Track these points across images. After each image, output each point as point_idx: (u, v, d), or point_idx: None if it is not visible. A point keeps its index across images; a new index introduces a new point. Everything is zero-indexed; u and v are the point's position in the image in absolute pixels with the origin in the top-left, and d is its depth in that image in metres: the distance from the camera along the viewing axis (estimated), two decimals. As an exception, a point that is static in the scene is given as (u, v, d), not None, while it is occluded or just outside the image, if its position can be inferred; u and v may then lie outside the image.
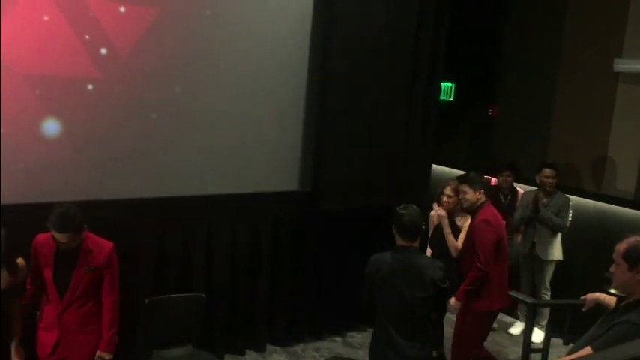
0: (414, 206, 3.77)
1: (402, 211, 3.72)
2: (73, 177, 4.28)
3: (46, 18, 4.09)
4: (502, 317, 6.44)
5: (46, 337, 3.55)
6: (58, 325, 3.52)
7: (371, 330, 4.73)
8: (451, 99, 7.46)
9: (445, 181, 5.10)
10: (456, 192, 4.84)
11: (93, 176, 4.40)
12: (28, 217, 3.85)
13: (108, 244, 3.61)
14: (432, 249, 5.16)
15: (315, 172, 5.44)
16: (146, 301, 4.34)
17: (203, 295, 4.58)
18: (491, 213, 4.58)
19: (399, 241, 3.74)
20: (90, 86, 4.32)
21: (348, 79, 5.31)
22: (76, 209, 3.45)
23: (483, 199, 4.60)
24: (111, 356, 3.64)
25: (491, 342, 5.93)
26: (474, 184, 4.59)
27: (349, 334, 5.83)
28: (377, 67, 5.43)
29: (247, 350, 5.36)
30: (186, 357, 4.36)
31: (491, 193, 6.36)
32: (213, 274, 5.09)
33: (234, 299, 5.24)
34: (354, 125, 5.39)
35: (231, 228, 5.13)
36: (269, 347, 5.47)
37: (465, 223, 4.96)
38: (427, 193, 5.91)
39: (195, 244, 4.99)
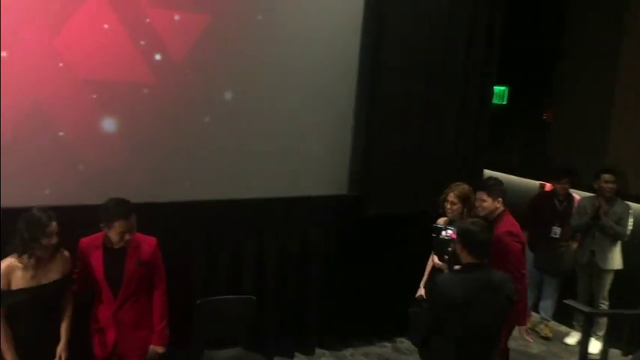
0: (480, 220, 3.62)
1: (473, 227, 3.50)
2: (128, 179, 4.39)
3: (105, 26, 4.23)
4: (557, 327, 6.28)
5: (104, 338, 3.61)
6: (114, 325, 3.59)
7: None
8: (505, 103, 7.32)
9: (449, 186, 4.54)
10: (461, 198, 4.40)
11: (147, 179, 4.51)
12: (86, 218, 3.99)
13: (152, 239, 3.70)
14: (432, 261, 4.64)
15: (363, 176, 5.43)
16: (198, 302, 4.41)
17: (254, 297, 4.63)
18: (512, 223, 4.29)
19: (468, 258, 3.48)
20: (145, 90, 4.44)
21: (399, 82, 5.28)
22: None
23: (502, 208, 4.32)
24: (163, 350, 3.72)
25: (547, 352, 5.78)
26: (492, 192, 4.30)
27: (399, 339, 5.78)
28: (428, 69, 5.39)
29: (296, 353, 5.37)
30: (236, 359, 4.40)
31: (545, 199, 6.25)
32: (264, 277, 5.13)
33: (283, 302, 5.26)
34: (405, 129, 5.35)
35: (280, 231, 5.17)
36: (318, 351, 5.47)
37: None
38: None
39: (246, 246, 5.04)
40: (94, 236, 3.60)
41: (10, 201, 3.68)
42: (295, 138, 5.09)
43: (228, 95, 4.78)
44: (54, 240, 3.29)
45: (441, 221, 4.53)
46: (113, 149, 4.40)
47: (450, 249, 3.95)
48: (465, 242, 3.48)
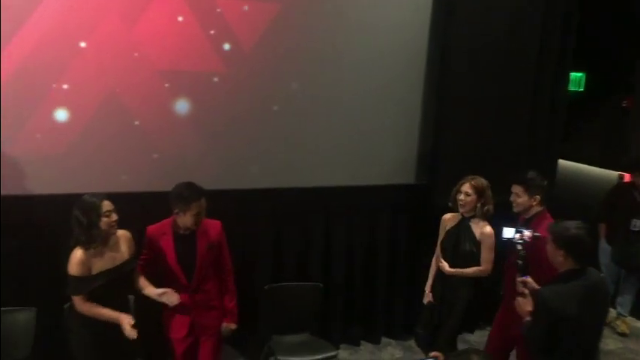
0: (581, 222, 3.25)
1: (578, 231, 3.17)
2: (200, 167, 4.51)
3: (179, 18, 4.34)
4: (635, 323, 6.03)
5: (179, 321, 3.71)
6: (190, 308, 3.68)
7: (488, 328, 4.61)
8: (581, 90, 7.07)
9: (464, 178, 4.18)
10: (477, 190, 4.05)
11: (217, 166, 4.61)
12: (160, 205, 4.13)
13: (217, 222, 3.76)
14: (437, 262, 4.30)
15: (432, 165, 5.36)
16: (265, 287, 4.50)
17: (320, 284, 4.67)
18: None
19: (572, 264, 3.19)
20: (215, 79, 4.53)
21: (469, 68, 5.18)
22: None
23: (539, 208, 3.96)
24: (236, 326, 3.83)
25: (623, 349, 5.57)
26: (530, 188, 3.94)
27: (464, 332, 5.69)
28: (500, 54, 5.25)
29: (362, 342, 5.39)
30: (303, 344, 4.47)
31: (624, 190, 5.98)
32: (331, 265, 5.17)
33: (351, 290, 5.28)
34: (475, 116, 5.24)
35: (348, 219, 5.18)
36: (384, 340, 5.47)
37: (482, 231, 4.09)
38: (552, 190, 5.63)
39: (313, 234, 5.08)
40: (162, 223, 3.68)
41: (88, 187, 3.84)
42: (363, 126, 5.08)
43: (296, 84, 4.82)
44: (113, 218, 3.37)
45: (448, 217, 4.25)
46: (185, 138, 4.52)
47: (522, 253, 3.69)
48: (571, 248, 3.17)
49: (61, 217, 4.07)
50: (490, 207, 4.08)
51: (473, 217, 4.12)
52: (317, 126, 4.94)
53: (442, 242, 4.25)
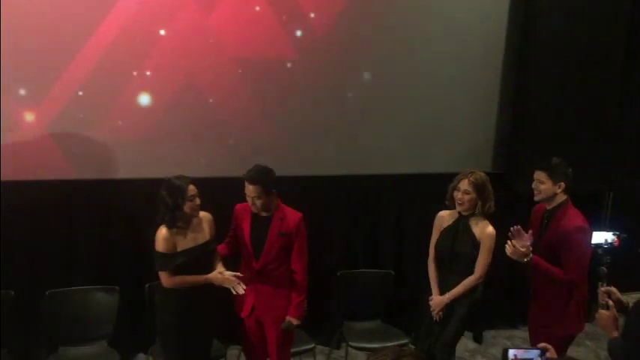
0: None
1: None
2: (274, 153, 4.54)
3: (256, 8, 4.39)
4: None
5: (244, 299, 3.77)
6: (253, 288, 3.74)
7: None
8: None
9: (462, 172, 3.79)
10: (476, 187, 3.66)
11: (289, 152, 4.64)
12: (235, 191, 4.21)
13: (298, 214, 3.78)
14: (434, 263, 3.91)
15: (510, 152, 5.20)
16: (338, 274, 4.50)
17: (392, 272, 4.64)
18: (582, 218, 3.64)
19: None
20: (289, 65, 4.56)
21: (551, 52, 4.96)
22: (270, 170, 3.66)
23: (563, 197, 3.67)
24: (299, 322, 3.81)
25: None
26: (554, 174, 3.63)
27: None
28: (585, 35, 5.00)
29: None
30: (374, 331, 4.46)
31: None
32: (402, 253, 5.11)
33: (422, 279, 5.20)
34: (557, 101, 5.04)
35: (421, 207, 5.10)
36: (457, 330, 5.37)
37: (483, 230, 3.72)
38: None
39: (386, 221, 5.04)
40: (247, 203, 3.76)
41: (166, 173, 3.95)
42: (438, 112, 4.99)
43: (370, 71, 4.78)
44: (197, 202, 3.48)
45: (444, 216, 3.86)
46: (260, 124, 4.58)
47: (607, 260, 3.45)
48: None
49: (141, 201, 4.24)
50: (491, 204, 3.72)
51: (472, 215, 3.73)
52: (390, 113, 4.88)
53: (437, 244, 3.87)
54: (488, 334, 5.35)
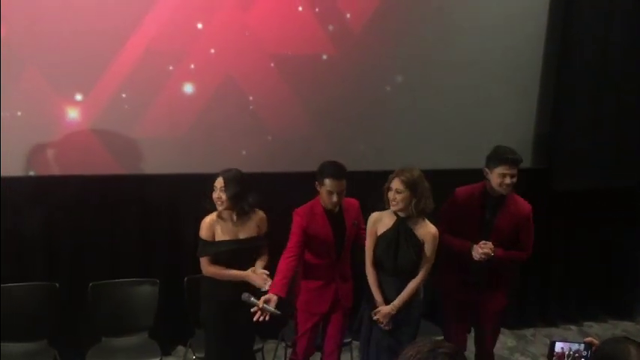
0: None
1: None
2: (310, 148, 4.58)
3: (294, 4, 4.43)
4: None
5: (323, 296, 3.77)
6: (337, 279, 3.75)
7: (612, 321, 4.35)
8: None
9: (395, 172, 3.56)
10: (408, 185, 3.44)
11: (326, 147, 4.65)
12: (271, 185, 4.25)
13: (355, 201, 3.81)
14: (374, 268, 3.61)
15: (551, 148, 5.12)
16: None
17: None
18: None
19: None
20: (324, 59, 4.58)
21: (592, 43, 4.90)
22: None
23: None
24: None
25: None
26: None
27: (586, 323, 5.43)
28: (625, 30, 4.92)
29: (472, 329, 5.26)
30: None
31: None
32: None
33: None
34: (598, 95, 4.95)
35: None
36: (496, 328, 5.32)
37: (426, 231, 3.52)
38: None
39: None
40: (310, 204, 3.72)
41: (205, 169, 4.01)
42: (476, 106, 4.94)
43: (407, 65, 4.77)
44: (216, 195, 3.54)
45: (377, 218, 3.59)
46: (297, 120, 4.61)
47: None
48: None
49: (182, 196, 4.32)
50: (427, 202, 3.50)
51: (410, 217, 3.52)
52: (428, 107, 4.86)
53: (376, 250, 3.58)
54: (527, 332, 5.29)
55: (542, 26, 5.02)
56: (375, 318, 3.58)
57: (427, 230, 3.54)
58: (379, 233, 3.58)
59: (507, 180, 3.69)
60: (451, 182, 4.92)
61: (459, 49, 4.84)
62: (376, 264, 3.61)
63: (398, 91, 4.79)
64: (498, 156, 3.73)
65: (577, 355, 2.55)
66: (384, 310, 3.56)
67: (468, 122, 4.95)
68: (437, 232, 3.55)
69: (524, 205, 3.83)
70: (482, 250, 3.66)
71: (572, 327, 5.41)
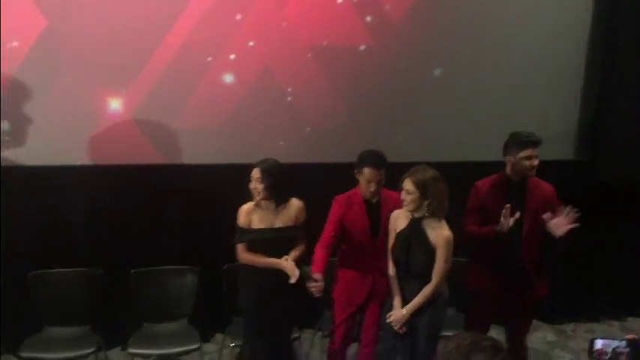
0: None
1: None
2: (347, 138, 4.58)
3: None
4: None
5: (360, 287, 3.77)
6: (373, 273, 3.74)
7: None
8: None
9: (413, 169, 3.47)
10: (419, 186, 3.33)
11: (364, 138, 4.63)
12: (308, 175, 4.27)
13: (395, 193, 3.73)
14: (395, 267, 3.55)
15: (594, 139, 5.02)
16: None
17: (466, 260, 4.57)
18: None
19: None
20: (362, 47, 4.56)
21: (637, 36, 4.74)
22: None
23: None
24: None
25: None
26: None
27: (629, 319, 5.31)
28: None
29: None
30: (451, 318, 4.40)
31: None
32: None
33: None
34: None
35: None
36: (535, 323, 5.23)
37: (438, 235, 3.38)
38: None
39: (462, 208, 4.96)
40: (349, 193, 3.74)
41: (243, 160, 4.05)
42: (516, 99, 4.86)
43: (447, 56, 4.72)
44: (252, 185, 3.58)
45: (397, 216, 3.52)
46: (335, 111, 4.62)
47: None
48: None
49: (221, 185, 4.38)
50: (441, 204, 3.38)
51: (425, 217, 3.40)
52: (467, 99, 4.80)
53: (393, 249, 3.53)
54: (567, 328, 5.20)
55: (587, 13, 4.90)
56: (388, 321, 3.52)
57: (440, 233, 3.39)
58: (397, 231, 3.53)
59: (535, 162, 3.66)
60: (490, 175, 4.89)
61: (500, 39, 4.77)
62: (395, 265, 3.55)
63: (437, 82, 4.74)
64: (520, 141, 3.70)
65: (618, 351, 2.51)
66: (396, 314, 3.50)
67: (507, 114, 4.86)
68: (450, 236, 3.38)
69: (547, 186, 3.79)
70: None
71: (614, 322, 5.30)
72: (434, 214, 3.37)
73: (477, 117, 4.83)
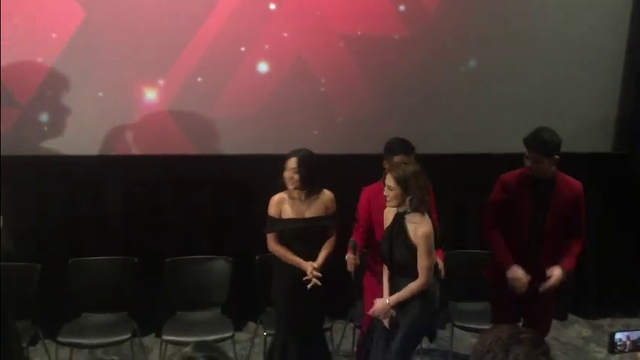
0: None
1: None
2: (380, 129, 4.54)
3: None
4: None
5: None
6: None
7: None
8: None
9: (395, 163, 3.42)
10: (399, 181, 3.24)
11: (397, 129, 4.58)
12: (341, 166, 4.27)
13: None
14: (383, 261, 3.48)
15: (634, 132, 4.90)
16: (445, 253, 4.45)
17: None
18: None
19: None
20: (396, 36, 4.53)
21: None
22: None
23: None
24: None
25: None
26: (549, 153, 3.49)
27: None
28: None
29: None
30: (482, 312, 4.35)
31: None
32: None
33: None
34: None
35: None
36: (570, 317, 5.17)
37: (416, 231, 3.25)
38: None
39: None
40: (378, 183, 3.69)
41: (274, 150, 4.06)
42: (553, 91, 4.77)
43: (481, 45, 4.66)
44: (289, 175, 3.57)
45: (390, 210, 3.41)
46: (367, 101, 4.60)
47: None
48: None
49: (254, 175, 4.40)
50: (423, 198, 3.26)
51: (408, 212, 3.29)
52: (502, 89, 4.73)
53: (380, 245, 3.47)
54: (604, 322, 5.11)
55: (627, 6, 4.78)
56: (370, 311, 3.43)
57: (418, 228, 3.26)
58: (385, 227, 3.48)
59: (528, 163, 3.56)
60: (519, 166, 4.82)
61: (537, 30, 4.68)
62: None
63: (471, 73, 4.68)
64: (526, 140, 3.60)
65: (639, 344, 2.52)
66: (378, 302, 3.39)
67: (543, 105, 4.77)
68: (428, 231, 3.25)
69: (575, 184, 3.63)
70: (518, 282, 3.52)
71: (653, 317, 5.19)
72: (416, 209, 3.27)
73: (511, 109, 4.75)
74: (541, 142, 3.51)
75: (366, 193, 3.74)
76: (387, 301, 3.36)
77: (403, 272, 3.34)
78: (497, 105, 4.75)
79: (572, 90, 4.80)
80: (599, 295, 5.15)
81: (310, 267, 3.60)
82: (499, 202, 3.68)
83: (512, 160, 4.77)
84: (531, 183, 3.62)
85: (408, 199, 3.26)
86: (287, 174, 3.60)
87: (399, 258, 3.34)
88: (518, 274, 3.54)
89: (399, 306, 3.34)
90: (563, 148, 4.81)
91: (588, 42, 4.76)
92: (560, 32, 4.70)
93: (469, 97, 4.71)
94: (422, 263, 3.27)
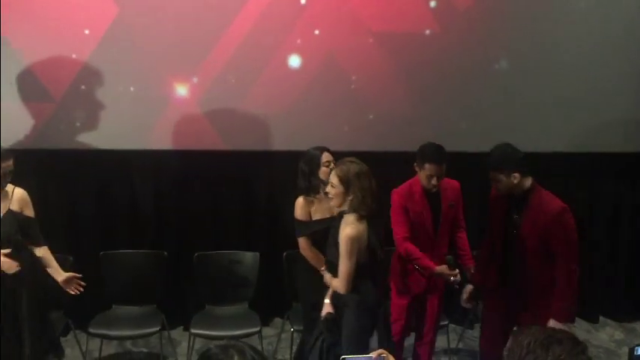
0: None
1: None
2: (411, 126, 4.53)
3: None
4: None
5: (419, 277, 3.74)
6: (432, 260, 3.65)
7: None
8: None
9: (339, 162, 3.28)
10: (342, 180, 3.13)
11: (428, 126, 4.58)
12: (371, 163, 4.23)
13: (456, 183, 3.75)
14: (326, 266, 3.35)
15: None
16: (473, 252, 4.41)
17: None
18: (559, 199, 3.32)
19: None
20: (427, 32, 4.49)
21: None
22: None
23: (528, 181, 3.30)
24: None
25: None
26: (504, 169, 3.28)
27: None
28: None
29: (578, 319, 5.04)
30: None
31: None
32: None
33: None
34: None
35: (565, 188, 4.82)
36: (601, 319, 5.08)
37: (342, 231, 3.13)
38: None
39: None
40: (409, 183, 3.70)
41: (305, 146, 4.06)
42: (586, 87, 4.69)
43: (511, 44, 4.60)
44: (332, 168, 3.50)
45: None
46: (398, 99, 4.57)
47: None
48: None
49: (283, 172, 4.40)
50: (363, 200, 3.12)
51: (345, 212, 3.18)
52: (532, 89, 4.67)
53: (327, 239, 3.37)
54: (636, 326, 5.02)
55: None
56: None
57: (343, 230, 3.13)
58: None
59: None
60: (556, 167, 4.75)
61: (569, 27, 4.61)
62: None
63: (503, 70, 4.63)
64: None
65: None
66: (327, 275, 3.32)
67: (574, 106, 4.71)
68: (350, 234, 3.09)
69: (551, 204, 3.29)
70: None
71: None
72: (355, 210, 3.13)
73: (542, 108, 4.69)
74: (492, 158, 3.40)
75: (398, 193, 3.67)
76: (327, 300, 3.33)
77: (335, 271, 3.21)
78: (528, 105, 4.68)
79: (604, 90, 4.71)
80: (631, 298, 5.05)
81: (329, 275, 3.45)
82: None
83: (543, 159, 4.74)
84: (507, 201, 3.46)
85: (348, 198, 3.15)
86: (324, 170, 3.56)
87: (331, 257, 3.26)
88: (442, 269, 3.57)
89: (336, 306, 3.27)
90: (596, 148, 4.77)
91: (621, 42, 4.66)
92: (593, 36, 4.62)
93: (500, 95, 4.65)
94: (342, 265, 3.14)
